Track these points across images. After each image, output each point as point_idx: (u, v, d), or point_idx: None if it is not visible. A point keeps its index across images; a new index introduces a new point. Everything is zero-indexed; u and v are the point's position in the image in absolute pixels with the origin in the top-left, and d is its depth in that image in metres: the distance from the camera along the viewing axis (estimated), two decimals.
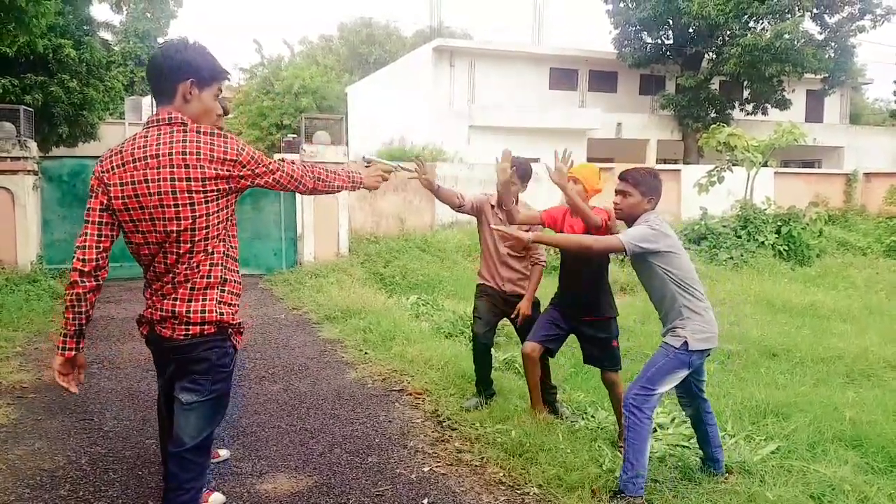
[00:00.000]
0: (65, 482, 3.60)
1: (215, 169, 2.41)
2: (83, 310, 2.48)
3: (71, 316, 2.48)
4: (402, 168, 3.29)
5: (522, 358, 4.43)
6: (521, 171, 4.56)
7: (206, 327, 2.47)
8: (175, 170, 2.38)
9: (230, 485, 3.61)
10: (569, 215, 4.24)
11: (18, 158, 9.99)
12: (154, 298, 2.52)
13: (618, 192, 3.61)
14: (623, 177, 3.60)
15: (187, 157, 2.38)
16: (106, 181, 2.46)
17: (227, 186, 2.47)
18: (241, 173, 2.49)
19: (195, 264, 2.46)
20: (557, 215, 4.29)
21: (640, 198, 3.53)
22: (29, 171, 10.13)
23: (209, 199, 2.43)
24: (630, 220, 3.60)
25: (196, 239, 2.44)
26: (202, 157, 2.40)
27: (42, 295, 8.72)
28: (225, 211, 2.50)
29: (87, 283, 2.46)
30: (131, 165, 2.42)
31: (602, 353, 4.27)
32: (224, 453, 3.96)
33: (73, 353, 2.52)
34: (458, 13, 64.11)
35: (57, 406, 4.83)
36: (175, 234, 2.42)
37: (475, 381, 4.92)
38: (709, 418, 3.81)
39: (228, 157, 2.44)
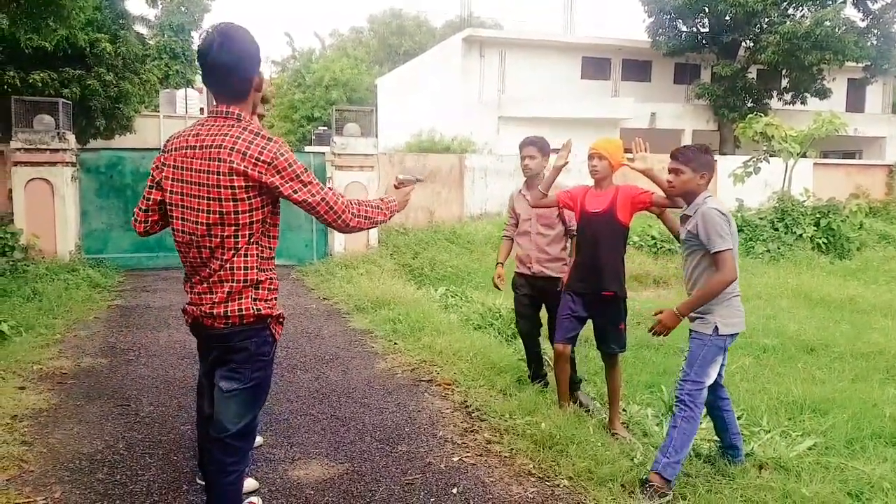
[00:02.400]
0: (103, 466, 3.68)
1: (245, 167, 2.37)
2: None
3: None
4: (419, 179, 3.16)
5: (554, 356, 4.50)
6: (541, 147, 4.84)
7: (244, 319, 2.50)
8: (211, 162, 2.40)
9: (263, 471, 3.66)
10: (590, 192, 4.33)
11: (57, 150, 10.21)
12: (193, 295, 2.57)
13: (670, 171, 3.66)
14: (674, 155, 3.65)
15: (222, 150, 2.39)
16: (163, 161, 2.56)
17: (255, 185, 2.40)
18: (272, 179, 2.40)
19: (228, 265, 2.46)
20: (577, 196, 4.36)
21: (693, 174, 3.58)
22: (67, 162, 10.36)
23: (237, 196, 2.39)
24: (686, 197, 3.65)
25: (225, 234, 2.44)
26: (235, 151, 2.38)
27: (80, 284, 8.91)
28: (258, 212, 2.45)
29: (144, 236, 2.83)
30: (183, 152, 2.48)
31: (611, 335, 4.34)
32: (258, 440, 4.01)
33: None
34: (489, 3, 63.84)
35: (95, 392, 4.93)
36: (205, 227, 2.44)
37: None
38: (725, 404, 3.82)
39: (262, 158, 2.38)
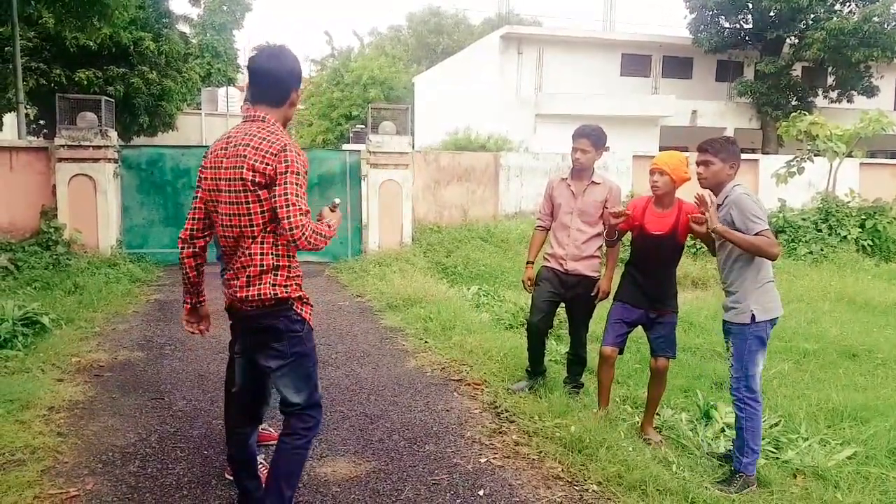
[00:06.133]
0: (135, 459, 3.75)
1: (254, 160, 2.58)
2: (185, 271, 2.90)
3: (182, 276, 2.93)
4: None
5: (600, 359, 4.40)
6: (596, 139, 4.63)
7: (265, 301, 2.69)
8: (236, 159, 2.63)
9: None
10: (651, 209, 4.18)
11: (100, 147, 10.45)
12: (225, 280, 2.84)
13: (700, 163, 3.73)
14: (703, 147, 3.73)
15: (240, 147, 2.63)
16: (205, 164, 2.78)
17: (263, 179, 2.58)
18: (275, 167, 2.57)
19: (247, 252, 2.67)
20: (636, 213, 4.23)
21: (722, 164, 3.66)
22: (110, 159, 10.59)
23: (247, 188, 2.60)
24: (716, 188, 3.71)
25: (242, 225, 2.65)
26: (250, 147, 2.61)
27: (121, 278, 9.11)
28: (267, 202, 2.61)
29: (185, 250, 2.86)
30: (220, 153, 2.71)
31: (668, 343, 4.27)
32: None
33: (189, 305, 2.99)
34: (528, 1, 63.54)
35: (131, 385, 5.03)
36: (228, 219, 2.68)
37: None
38: None
39: (270, 150, 2.59)
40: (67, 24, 11.33)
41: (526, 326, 5.05)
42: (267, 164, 2.57)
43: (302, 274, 2.82)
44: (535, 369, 4.96)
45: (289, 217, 2.57)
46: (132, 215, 11.18)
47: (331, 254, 11.51)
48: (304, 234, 2.59)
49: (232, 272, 2.74)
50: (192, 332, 3.08)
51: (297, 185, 2.60)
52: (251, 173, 2.57)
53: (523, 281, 5.03)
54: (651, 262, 4.20)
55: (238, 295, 2.69)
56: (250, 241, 2.66)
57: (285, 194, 2.58)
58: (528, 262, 5.01)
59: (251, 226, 2.64)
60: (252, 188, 2.59)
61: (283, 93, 2.75)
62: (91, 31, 11.41)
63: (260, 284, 2.67)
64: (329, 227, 2.74)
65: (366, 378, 5.31)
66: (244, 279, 2.68)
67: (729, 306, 3.67)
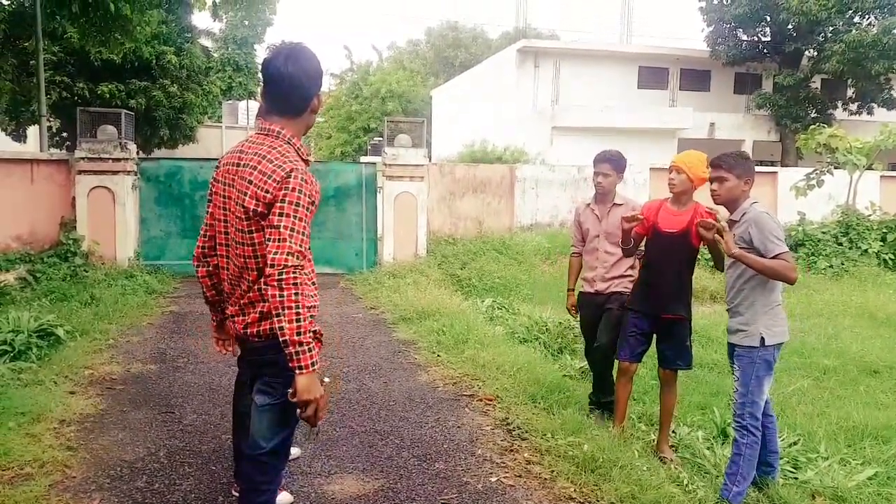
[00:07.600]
0: (143, 474, 3.72)
1: (257, 187, 2.35)
2: (203, 290, 2.81)
3: (202, 293, 2.84)
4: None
5: (618, 374, 4.40)
6: (616, 163, 4.72)
7: (275, 333, 2.43)
8: (243, 182, 2.41)
9: (299, 484, 3.64)
10: (665, 208, 4.18)
11: (119, 160, 10.56)
12: (231, 312, 2.59)
13: (713, 180, 3.67)
14: (716, 163, 3.66)
15: (247, 169, 2.41)
16: (215, 177, 2.59)
17: (267, 207, 2.34)
18: (277, 194, 2.31)
19: (256, 287, 2.44)
20: (650, 213, 4.24)
21: (737, 181, 3.59)
22: (129, 171, 10.69)
23: (249, 216, 2.39)
24: (730, 205, 3.64)
25: (246, 255, 2.44)
26: (258, 171, 2.36)
27: (137, 290, 9.15)
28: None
29: (199, 269, 2.75)
30: (230, 168, 2.50)
31: (676, 353, 4.22)
32: (295, 451, 3.99)
33: (215, 322, 2.92)
34: (546, 15, 63.72)
35: (142, 398, 5.03)
36: (236, 246, 2.48)
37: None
38: (768, 421, 3.74)
39: (274, 177, 2.33)
40: (91, 39, 11.50)
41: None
42: (268, 191, 2.32)
43: (318, 304, 2.59)
44: (600, 401, 4.91)
45: (275, 252, 2.25)
46: (150, 227, 11.26)
47: (346, 265, 11.53)
48: (281, 276, 2.23)
49: (237, 308, 2.52)
50: (222, 352, 2.94)
51: (295, 217, 2.29)
52: (253, 202, 2.34)
53: (568, 308, 5.17)
54: (663, 261, 4.16)
55: (249, 330, 2.49)
56: (256, 274, 2.43)
57: (279, 226, 2.27)
58: (569, 290, 5.16)
59: (255, 257, 2.42)
60: (253, 217, 2.36)
61: (302, 101, 2.48)
62: (114, 45, 11.56)
63: (272, 319, 2.38)
64: (312, 337, 2.32)
65: (377, 392, 5.27)
66: (256, 315, 2.46)
67: (736, 328, 3.60)
